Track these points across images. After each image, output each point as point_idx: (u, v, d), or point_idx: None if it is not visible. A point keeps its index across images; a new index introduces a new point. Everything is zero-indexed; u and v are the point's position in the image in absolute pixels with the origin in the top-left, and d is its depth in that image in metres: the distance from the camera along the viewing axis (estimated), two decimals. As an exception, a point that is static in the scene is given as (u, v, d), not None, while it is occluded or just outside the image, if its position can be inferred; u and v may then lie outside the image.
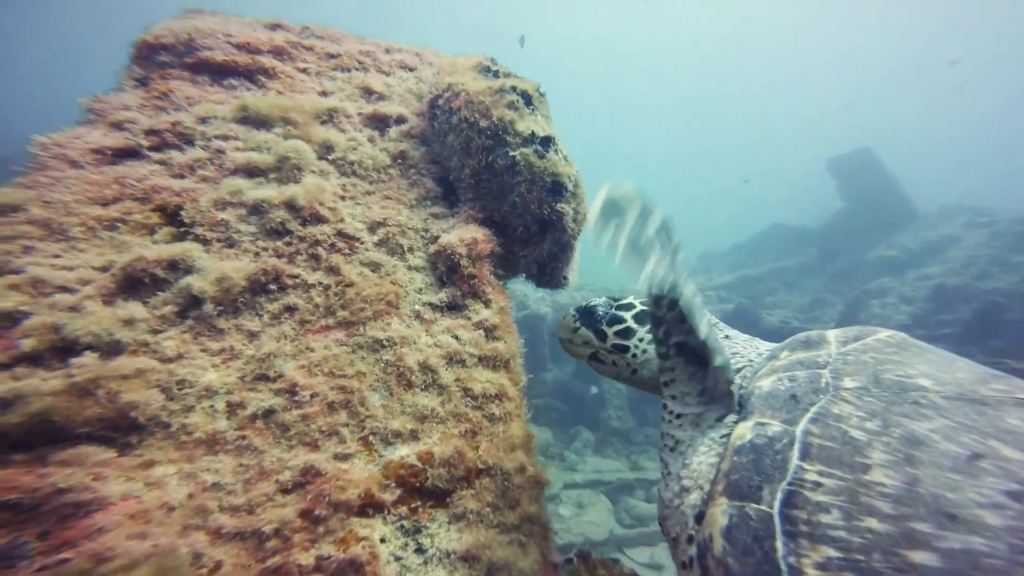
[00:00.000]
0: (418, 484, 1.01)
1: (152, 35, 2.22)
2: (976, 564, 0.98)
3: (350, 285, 1.35)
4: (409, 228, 1.61)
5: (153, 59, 2.18)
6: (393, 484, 0.99)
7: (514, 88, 1.79)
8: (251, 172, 1.62)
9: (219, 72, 2.16)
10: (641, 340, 1.79)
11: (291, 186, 1.54)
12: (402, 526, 0.96)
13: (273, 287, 1.29)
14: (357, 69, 2.41)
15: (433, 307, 1.42)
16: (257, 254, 1.37)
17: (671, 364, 1.46)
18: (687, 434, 1.48)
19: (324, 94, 2.18)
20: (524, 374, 1.44)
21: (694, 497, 1.36)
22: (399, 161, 1.89)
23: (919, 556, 1.02)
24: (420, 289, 1.46)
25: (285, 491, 0.91)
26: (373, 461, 1.03)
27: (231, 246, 1.39)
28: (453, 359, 1.28)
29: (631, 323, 1.79)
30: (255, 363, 1.11)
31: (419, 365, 1.22)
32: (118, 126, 1.81)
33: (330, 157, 1.80)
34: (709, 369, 1.42)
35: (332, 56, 2.44)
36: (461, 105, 1.76)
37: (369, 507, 0.95)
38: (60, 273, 1.15)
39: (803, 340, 1.62)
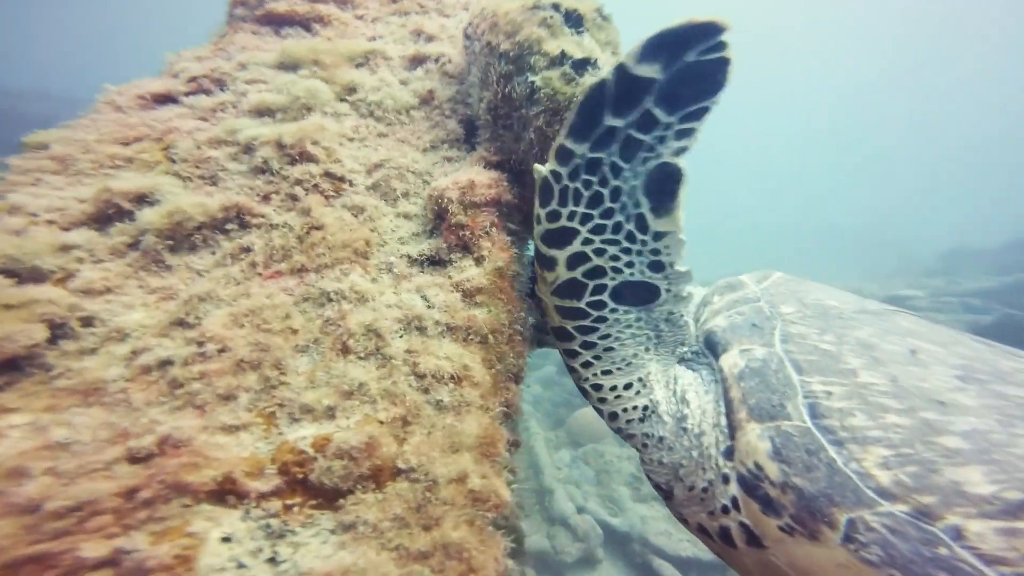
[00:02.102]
0: (301, 476, 0.77)
1: (234, -8, 2.22)
2: (988, 440, 1.01)
3: (318, 228, 1.15)
4: (410, 172, 1.35)
5: (234, 14, 2.18)
6: (275, 471, 0.77)
7: (556, 5, 1.42)
8: (261, 112, 1.49)
9: (280, 22, 2.09)
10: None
11: (285, 124, 1.37)
12: (267, 525, 0.73)
13: (234, 225, 1.14)
14: (417, 13, 2.19)
15: (411, 260, 1.16)
16: (236, 192, 1.24)
17: (614, 321, 1.29)
18: (657, 395, 1.38)
19: (373, 39, 2.01)
20: (518, 356, 1.13)
21: (710, 438, 1.29)
22: (425, 101, 1.64)
23: (949, 441, 1.03)
24: (403, 239, 1.20)
25: (134, 460, 0.73)
26: (267, 439, 0.82)
27: (215, 184, 1.27)
28: (411, 325, 1.01)
29: None
30: (182, 305, 0.96)
31: (363, 328, 0.97)
32: (175, 75, 1.82)
33: (351, 98, 1.62)
34: (662, 298, 1.29)
35: (394, 1, 2.26)
36: (486, 29, 1.43)
37: (232, 495, 0.74)
38: (36, 201, 1.11)
39: (725, 285, 1.66)
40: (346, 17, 2.12)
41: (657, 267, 1.23)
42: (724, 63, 0.99)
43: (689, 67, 0.99)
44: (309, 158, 1.31)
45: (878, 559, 0.94)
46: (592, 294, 1.26)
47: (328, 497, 0.77)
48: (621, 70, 1.04)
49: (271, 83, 1.64)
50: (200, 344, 0.90)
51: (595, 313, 1.29)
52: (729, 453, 1.22)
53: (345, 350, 0.95)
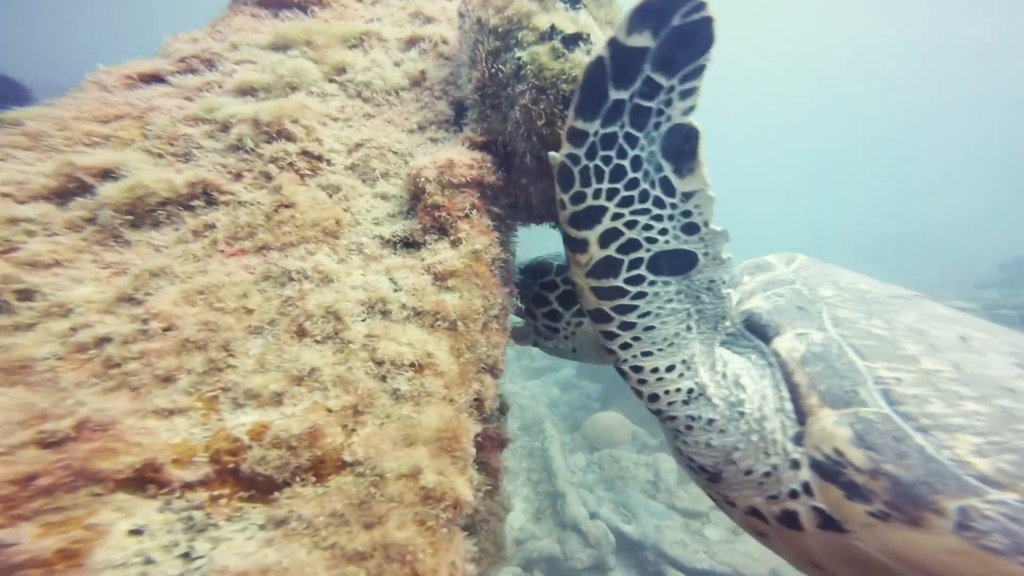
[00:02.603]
0: (233, 465, 0.70)
1: (241, -20, 2.18)
2: None
3: (288, 206, 1.08)
4: (391, 152, 1.28)
5: None
6: (207, 459, 0.71)
7: (552, -21, 1.33)
8: (245, 91, 1.44)
9: (279, 5, 2.04)
10: (568, 324, 1.65)
11: (265, 102, 1.32)
12: (189, 517, 0.66)
13: (200, 202, 1.08)
14: (419, -3, 2.14)
15: (383, 241, 1.08)
16: (208, 169, 1.18)
17: (653, 296, 1.20)
18: (703, 377, 1.30)
19: (371, 21, 1.95)
20: (493, 346, 1.04)
21: (774, 423, 1.26)
22: (416, 83, 1.57)
23: None
24: (377, 220, 1.13)
25: (45, 444, 0.67)
26: (204, 424, 0.75)
27: (187, 161, 1.22)
28: (375, 308, 0.94)
29: (555, 305, 1.63)
30: (132, 280, 0.91)
31: (323, 310, 0.90)
32: (166, 56, 1.79)
33: (339, 79, 1.56)
34: (701, 263, 1.19)
35: (396, -16, 2.20)
36: (477, 4, 1.36)
37: (153, 484, 0.68)
38: (-4, 175, 1.07)
39: (753, 265, 1.64)
40: (346, 0, 2.07)
41: (691, 229, 1.17)
42: (708, 21, 0.97)
43: (677, 30, 0.98)
44: (287, 136, 1.25)
45: (1004, 547, 0.95)
46: (629, 269, 1.20)
47: (262, 489, 0.70)
48: (615, 43, 1.02)
49: (259, 63, 1.60)
50: (145, 322, 0.84)
51: (633, 289, 1.22)
52: (798, 438, 1.21)
53: (301, 333, 0.88)
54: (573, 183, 1.11)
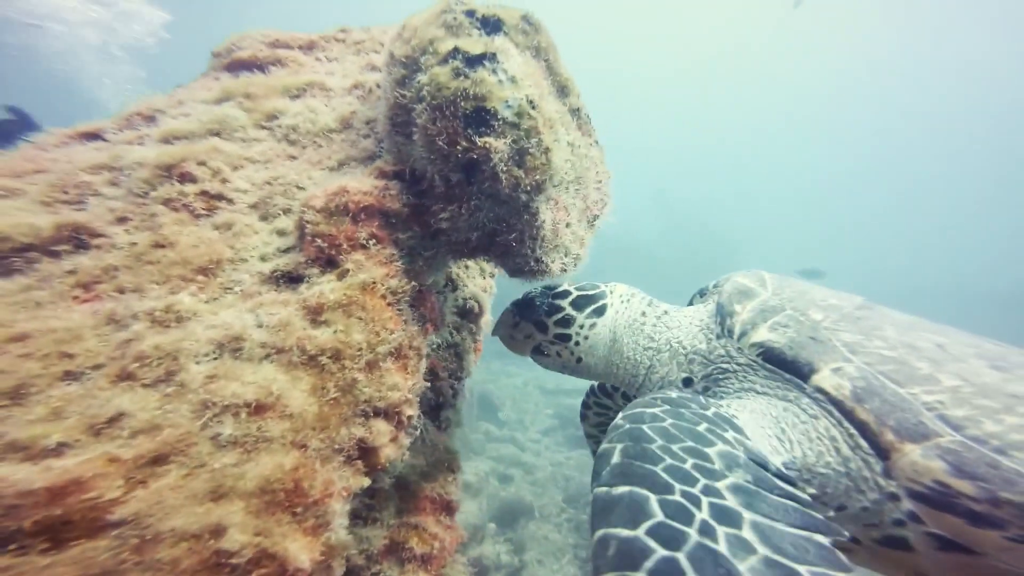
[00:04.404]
0: None
1: (215, 49, 2.28)
2: None
3: (164, 246, 1.00)
4: (298, 187, 1.21)
5: (209, 66, 2.23)
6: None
7: (470, 12, 1.31)
8: (168, 140, 1.42)
9: (240, 68, 2.10)
10: (582, 327, 1.68)
11: (170, 146, 1.28)
12: None
13: (67, 247, 1.01)
14: (375, 52, 2.19)
15: (264, 278, 0.98)
16: (91, 214, 1.12)
17: None
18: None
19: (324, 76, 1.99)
20: (388, 388, 0.89)
21: (856, 463, 1.26)
22: (347, 124, 1.54)
23: None
24: (265, 256, 1.03)
25: None
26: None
27: (78, 208, 1.16)
28: (226, 347, 0.82)
29: (569, 310, 1.68)
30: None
31: (159, 352, 0.78)
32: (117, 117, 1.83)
33: (269, 124, 1.54)
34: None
35: (357, 43, 2.27)
36: (391, 39, 1.34)
37: None
38: None
39: (736, 291, 1.64)
40: (304, 59, 2.12)
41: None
42: None
43: None
44: (189, 178, 1.19)
45: None
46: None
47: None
48: None
49: (193, 114, 1.60)
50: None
51: None
52: (886, 472, 1.22)
53: (126, 377, 0.75)
54: None
